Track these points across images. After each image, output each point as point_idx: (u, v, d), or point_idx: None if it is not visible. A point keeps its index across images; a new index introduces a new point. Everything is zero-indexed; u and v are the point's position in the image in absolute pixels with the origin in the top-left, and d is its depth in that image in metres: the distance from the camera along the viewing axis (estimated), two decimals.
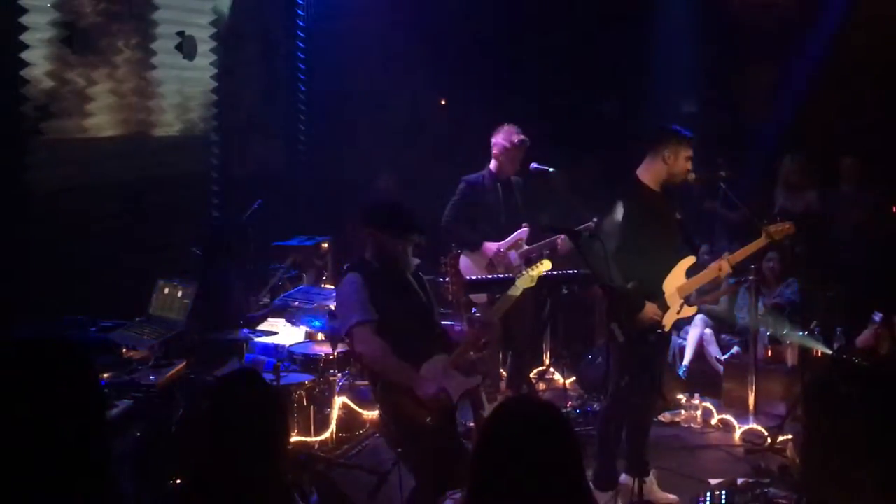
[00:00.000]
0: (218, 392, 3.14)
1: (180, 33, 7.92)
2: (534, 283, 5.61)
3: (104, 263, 6.62)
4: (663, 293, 5.83)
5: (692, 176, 5.95)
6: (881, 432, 5.46)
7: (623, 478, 6.02)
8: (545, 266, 5.65)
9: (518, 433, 2.50)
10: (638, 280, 5.67)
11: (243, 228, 7.54)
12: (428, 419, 4.82)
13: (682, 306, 5.88)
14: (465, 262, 7.30)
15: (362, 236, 5.20)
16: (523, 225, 7.44)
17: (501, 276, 7.23)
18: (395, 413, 4.90)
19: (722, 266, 5.95)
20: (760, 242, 6.06)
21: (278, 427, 3.06)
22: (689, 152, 5.88)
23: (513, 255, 7.41)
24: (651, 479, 6.01)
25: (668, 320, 5.86)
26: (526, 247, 7.48)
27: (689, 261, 5.94)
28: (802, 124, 9.29)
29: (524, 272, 5.57)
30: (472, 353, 5.09)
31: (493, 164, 7.47)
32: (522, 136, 7.40)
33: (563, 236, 7.26)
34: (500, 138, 7.42)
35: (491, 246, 7.34)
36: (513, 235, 7.43)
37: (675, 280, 5.87)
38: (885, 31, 8.52)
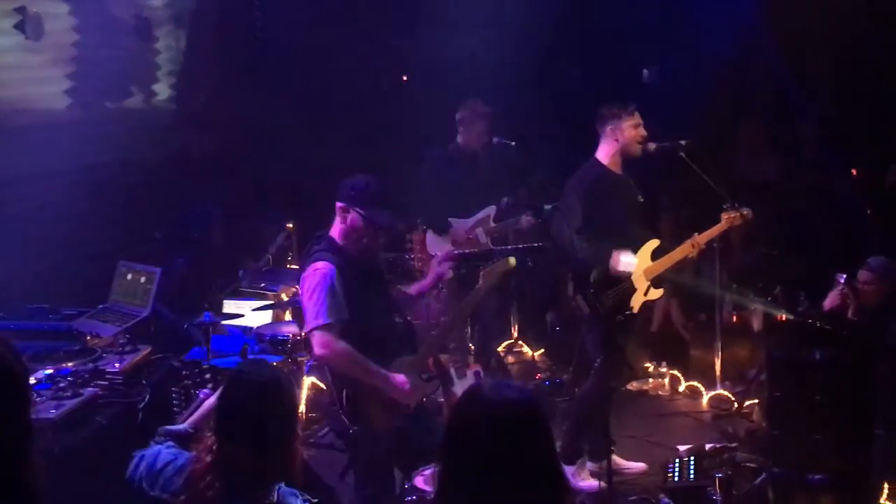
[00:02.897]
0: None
1: (137, 16, 7.82)
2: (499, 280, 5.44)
3: (65, 251, 6.55)
4: (630, 275, 5.88)
5: (652, 146, 6.00)
6: (843, 395, 5.56)
7: (589, 465, 6.06)
8: (511, 263, 5.41)
9: (488, 419, 2.48)
10: (602, 265, 5.72)
11: (208, 212, 7.49)
12: (392, 425, 4.65)
13: (649, 288, 5.94)
14: (430, 237, 7.30)
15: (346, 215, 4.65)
16: (505, 199, 7.44)
17: (467, 251, 7.23)
18: (363, 417, 4.62)
19: (694, 244, 6.01)
20: (722, 226, 6.15)
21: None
22: (634, 120, 5.94)
23: (479, 233, 7.42)
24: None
25: (636, 302, 5.92)
26: (493, 224, 7.49)
27: (654, 243, 6.01)
28: (761, 90, 9.33)
29: (489, 267, 5.33)
30: (436, 354, 5.03)
31: (459, 139, 7.47)
32: (487, 109, 7.41)
33: (528, 216, 7.31)
34: (466, 112, 7.42)
35: (459, 229, 7.34)
36: (480, 213, 7.43)
37: (642, 262, 5.93)
38: None
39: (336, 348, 4.48)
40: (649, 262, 5.96)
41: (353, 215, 4.61)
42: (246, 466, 3.15)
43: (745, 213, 6.13)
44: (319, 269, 4.51)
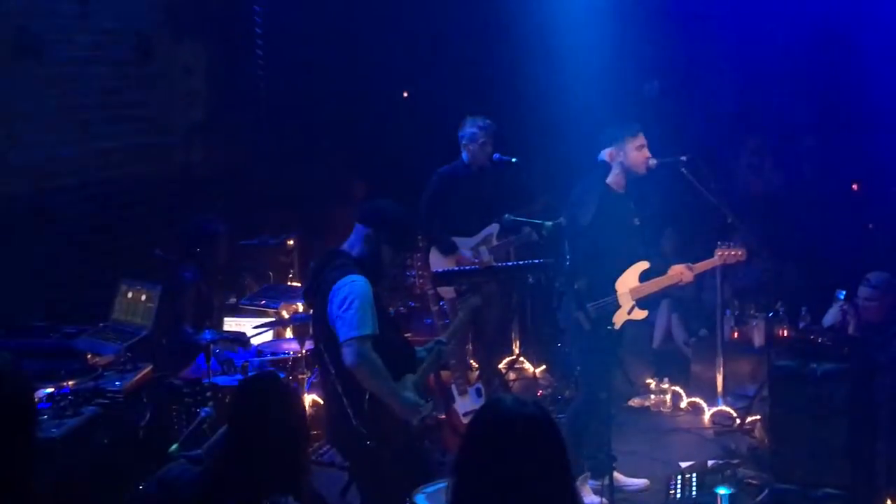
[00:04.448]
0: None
1: (138, 33, 7.84)
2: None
3: (65, 269, 6.55)
4: (615, 291, 5.92)
5: (653, 162, 6.02)
6: (846, 410, 5.56)
7: (591, 483, 6.05)
8: (476, 303, 5.46)
9: (504, 435, 2.51)
10: (587, 279, 5.76)
11: (215, 227, 7.46)
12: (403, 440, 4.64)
13: (633, 308, 5.97)
14: (434, 256, 7.32)
15: (368, 236, 4.67)
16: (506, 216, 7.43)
17: (468, 267, 7.23)
18: (380, 432, 4.59)
19: (684, 275, 6.05)
20: (715, 262, 6.23)
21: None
22: (638, 142, 5.99)
23: (483, 251, 7.41)
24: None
25: (619, 319, 5.94)
26: (496, 242, 7.48)
27: (643, 265, 6.03)
28: (762, 105, 9.34)
29: (463, 302, 5.39)
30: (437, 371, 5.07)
31: (465, 156, 7.46)
32: (488, 122, 7.40)
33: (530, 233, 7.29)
34: (468, 128, 7.42)
35: (464, 248, 7.33)
36: (483, 231, 7.42)
37: (629, 281, 5.98)
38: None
39: (371, 360, 4.48)
40: (636, 283, 6.00)
41: (383, 246, 4.67)
42: (254, 476, 3.16)
43: (740, 253, 6.18)
44: (357, 282, 4.53)
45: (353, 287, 4.52)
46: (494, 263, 7.37)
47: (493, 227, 7.45)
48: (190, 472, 3.44)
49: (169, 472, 3.51)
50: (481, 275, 7.17)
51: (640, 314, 6.08)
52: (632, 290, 5.98)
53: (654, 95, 10.05)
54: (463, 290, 6.38)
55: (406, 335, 5.76)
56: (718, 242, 6.22)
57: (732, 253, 6.20)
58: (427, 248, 7.25)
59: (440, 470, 5.11)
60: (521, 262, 7.24)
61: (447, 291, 7.02)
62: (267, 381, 3.48)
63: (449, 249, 7.34)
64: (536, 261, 7.21)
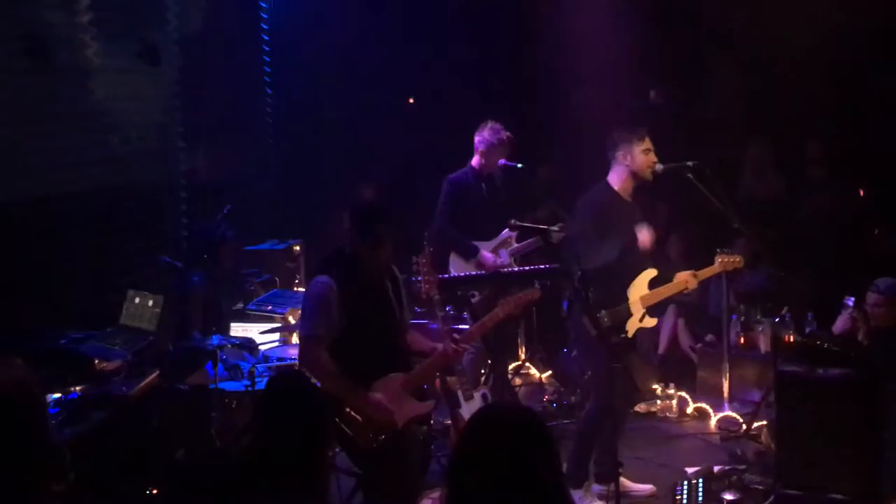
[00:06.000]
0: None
1: (143, 40, 7.86)
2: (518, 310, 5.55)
3: (73, 275, 6.57)
4: (627, 299, 5.93)
5: (660, 167, 6.02)
6: (852, 416, 5.54)
7: (595, 488, 6.04)
8: (536, 294, 5.57)
9: (497, 441, 2.51)
10: (599, 287, 5.76)
11: (223, 233, 7.49)
12: (374, 443, 4.68)
13: (644, 316, 5.97)
14: (455, 262, 7.32)
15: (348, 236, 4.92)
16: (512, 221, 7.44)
17: (473, 272, 7.24)
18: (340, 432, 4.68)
19: (689, 282, 6.05)
20: (716, 269, 6.23)
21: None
22: (644, 145, 5.98)
23: (503, 254, 7.40)
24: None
25: (631, 327, 5.95)
26: (515, 244, 7.48)
27: (651, 273, 6.04)
28: (767, 109, 9.34)
29: (512, 297, 5.48)
30: (436, 375, 5.12)
31: (475, 162, 7.42)
32: (508, 133, 7.39)
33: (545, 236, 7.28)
34: (486, 135, 7.35)
35: (487, 255, 7.32)
36: (500, 235, 7.42)
37: (639, 289, 5.99)
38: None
39: (315, 360, 4.66)
40: (646, 291, 6.01)
41: (352, 233, 4.86)
42: (276, 471, 3.17)
43: (738, 259, 6.20)
44: (318, 283, 4.75)
45: (312, 288, 4.78)
46: (514, 267, 7.38)
47: (511, 232, 7.45)
48: (215, 464, 3.47)
49: (193, 464, 3.53)
50: (488, 280, 7.19)
51: (649, 322, 6.09)
52: (642, 299, 5.99)
53: (660, 101, 10.07)
54: (470, 295, 6.39)
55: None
56: (717, 249, 6.23)
57: (731, 260, 6.21)
58: (446, 255, 7.28)
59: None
60: (527, 268, 7.24)
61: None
62: (294, 379, 3.54)
63: (470, 253, 7.33)
64: (542, 266, 7.22)
